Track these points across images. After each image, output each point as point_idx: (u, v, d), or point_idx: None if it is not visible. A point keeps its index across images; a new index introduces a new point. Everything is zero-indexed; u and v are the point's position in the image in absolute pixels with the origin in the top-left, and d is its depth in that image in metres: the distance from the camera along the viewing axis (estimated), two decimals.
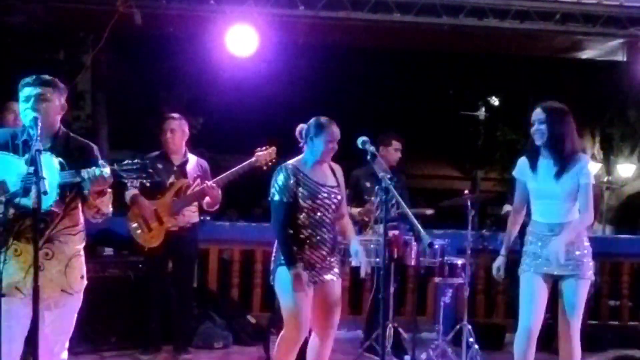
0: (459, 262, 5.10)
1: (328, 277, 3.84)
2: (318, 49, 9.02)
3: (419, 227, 3.21)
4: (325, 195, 3.78)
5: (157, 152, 5.16)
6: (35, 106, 3.05)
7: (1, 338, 2.91)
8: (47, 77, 3.15)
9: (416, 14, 5.99)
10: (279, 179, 3.74)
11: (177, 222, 4.98)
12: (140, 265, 5.44)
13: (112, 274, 5.30)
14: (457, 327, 5.11)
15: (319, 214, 3.75)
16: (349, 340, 5.97)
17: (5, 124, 4.66)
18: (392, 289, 5.10)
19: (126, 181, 3.07)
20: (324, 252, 3.80)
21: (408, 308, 6.25)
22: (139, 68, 9.26)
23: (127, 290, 5.34)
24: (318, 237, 3.76)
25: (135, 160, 3.03)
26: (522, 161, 3.97)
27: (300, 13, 5.93)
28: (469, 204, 4.94)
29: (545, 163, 3.85)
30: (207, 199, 4.93)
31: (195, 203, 5.06)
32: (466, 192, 5.36)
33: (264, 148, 4.85)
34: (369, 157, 3.38)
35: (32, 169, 2.82)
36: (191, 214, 5.09)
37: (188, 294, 5.27)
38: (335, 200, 3.78)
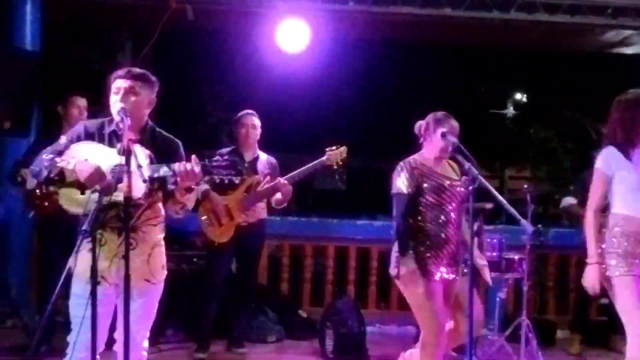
0: (516, 257, 5.07)
1: (452, 275, 3.80)
2: (367, 45, 9.01)
3: (518, 215, 3.19)
4: (450, 188, 3.75)
5: (228, 148, 5.17)
6: (123, 99, 3.07)
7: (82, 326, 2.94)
8: (138, 70, 3.17)
9: (467, 8, 5.98)
10: (402, 173, 3.74)
11: (247, 218, 5.00)
12: (195, 260, 5.49)
13: (168, 267, 5.31)
14: (515, 323, 5.06)
15: (444, 207, 3.73)
16: (400, 336, 5.97)
17: (70, 118, 4.70)
18: None
19: (215, 177, 3.08)
20: (451, 248, 3.77)
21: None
22: (183, 65, 9.30)
23: (183, 284, 5.37)
24: (443, 235, 3.74)
25: (226, 157, 3.04)
26: (612, 152, 3.57)
27: (351, 8, 5.94)
28: (528, 197, 4.90)
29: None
30: (277, 195, 4.93)
31: (265, 199, 5.08)
32: (525, 185, 5.32)
33: (334, 147, 4.84)
34: (450, 149, 3.36)
35: (123, 159, 2.83)
36: (261, 210, 5.11)
37: (250, 290, 5.29)
38: (460, 193, 3.75)
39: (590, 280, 3.53)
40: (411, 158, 3.82)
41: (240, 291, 5.26)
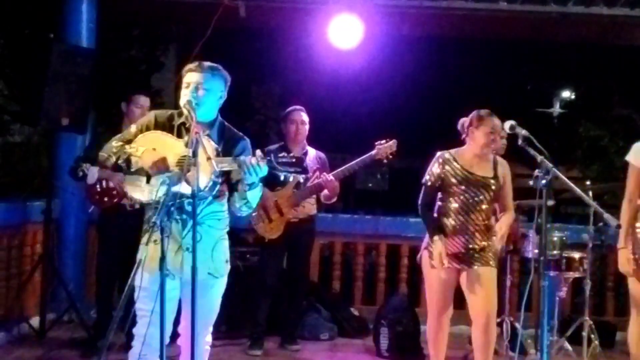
0: (577, 255, 4.94)
1: (476, 266, 3.95)
2: (417, 41, 8.91)
3: (600, 208, 3.10)
4: (475, 183, 3.95)
5: (277, 145, 5.16)
6: (194, 93, 3.07)
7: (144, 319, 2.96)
8: (210, 64, 3.16)
9: (523, 2, 5.85)
10: (434, 164, 4.03)
11: (297, 213, 4.98)
12: (248, 256, 5.48)
13: None
14: (577, 323, 4.93)
15: (466, 201, 3.94)
16: (455, 335, 5.84)
17: (132, 115, 4.73)
18: (508, 283, 5.00)
19: (280, 174, 3.07)
20: (470, 240, 3.95)
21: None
22: (231, 63, 9.30)
23: (236, 281, 5.35)
24: (465, 225, 3.95)
25: (291, 154, 3.02)
26: None
27: (404, 3, 5.87)
28: (590, 195, 4.76)
29: None
30: (326, 191, 4.92)
31: (314, 195, 5.06)
32: (588, 182, 5.18)
33: (384, 141, 4.81)
34: (520, 142, 3.28)
35: (191, 151, 2.83)
36: (310, 206, 5.09)
37: (301, 286, 5.26)
38: (487, 190, 3.97)
39: (621, 264, 3.99)
40: (448, 151, 4.05)
41: (291, 288, 5.24)
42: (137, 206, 4.53)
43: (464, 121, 4.10)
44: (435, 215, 4.03)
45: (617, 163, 12.66)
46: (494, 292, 4.02)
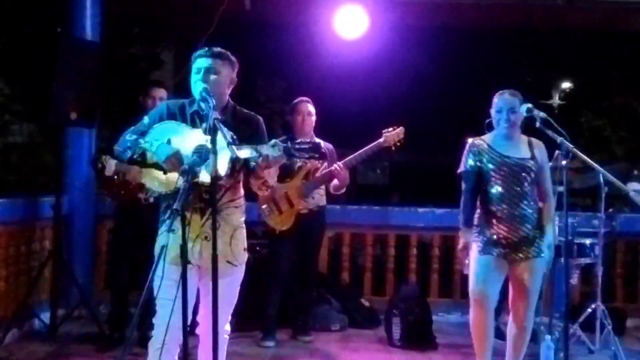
0: (588, 242, 4.94)
1: (522, 255, 3.80)
2: (424, 31, 8.87)
3: (624, 187, 3.10)
4: (513, 166, 3.78)
5: (284, 137, 5.15)
6: (205, 78, 3.06)
7: (173, 307, 2.93)
8: (219, 49, 3.16)
9: None
10: (468, 151, 3.89)
11: (307, 204, 4.98)
12: (258, 248, 5.47)
13: None
14: (590, 309, 4.92)
15: (508, 186, 3.77)
16: (465, 325, 5.80)
17: (150, 108, 4.73)
18: None
19: (298, 160, 3.04)
20: (518, 227, 3.78)
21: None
22: (236, 57, 9.28)
23: (247, 273, 5.33)
24: (508, 211, 3.77)
25: (308, 140, 2.99)
26: None
27: None
28: (602, 180, 4.76)
29: None
30: (335, 181, 4.91)
31: (323, 186, 5.05)
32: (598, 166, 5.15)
33: (391, 128, 4.80)
34: (538, 124, 3.26)
35: (209, 138, 2.81)
36: (320, 197, 5.09)
37: (312, 277, 5.26)
38: (528, 172, 3.77)
39: None
40: (479, 137, 3.91)
41: (302, 279, 5.24)
42: (152, 200, 4.54)
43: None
44: (479, 204, 3.87)
45: (618, 152, 12.68)
46: (539, 285, 3.92)
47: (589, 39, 11.48)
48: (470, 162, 3.86)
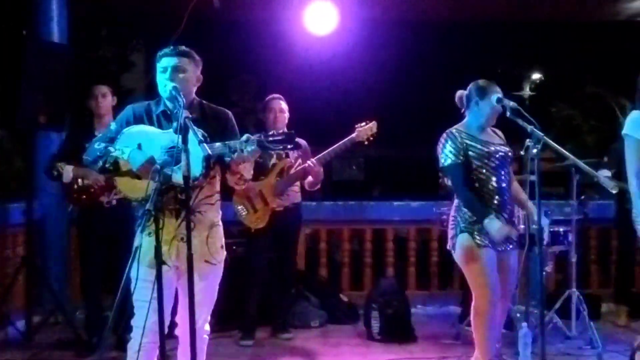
0: (561, 229, 5.00)
1: (507, 245, 3.79)
2: (394, 25, 8.86)
3: (595, 173, 3.13)
4: (496, 152, 3.73)
5: (258, 134, 5.13)
6: (172, 77, 3.03)
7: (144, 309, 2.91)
8: (184, 48, 3.13)
9: None
10: (447, 143, 3.73)
11: (281, 202, 4.97)
12: (234, 247, 5.44)
13: None
14: (565, 295, 4.99)
15: (492, 174, 3.71)
16: (443, 316, 5.92)
17: (98, 108, 4.72)
18: None
19: (272, 152, 3.03)
20: (503, 216, 3.73)
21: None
22: (207, 56, 9.22)
23: (224, 273, 5.32)
24: (495, 201, 3.72)
25: (281, 131, 2.97)
26: (638, 116, 3.70)
27: None
28: (573, 169, 4.83)
29: None
30: (309, 178, 4.91)
31: (298, 183, 5.05)
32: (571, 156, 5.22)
33: (364, 123, 4.81)
34: (509, 114, 3.29)
35: (180, 138, 2.78)
36: (295, 194, 5.08)
37: (290, 275, 5.26)
38: (508, 158, 3.74)
39: None
40: (453, 128, 3.81)
41: (280, 277, 5.23)
42: (114, 202, 4.52)
43: (461, 94, 3.86)
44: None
45: (589, 142, 12.88)
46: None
47: (558, 30, 11.60)
48: (457, 152, 3.70)
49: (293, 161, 5.03)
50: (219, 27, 8.09)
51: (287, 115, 5.16)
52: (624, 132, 3.72)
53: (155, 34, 7.07)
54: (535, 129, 3.07)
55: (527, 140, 3.14)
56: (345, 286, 6.20)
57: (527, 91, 18.36)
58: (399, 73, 13.16)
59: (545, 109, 13.99)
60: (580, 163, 3.20)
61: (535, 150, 3.00)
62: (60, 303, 5.09)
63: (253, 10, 5.95)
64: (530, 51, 14.24)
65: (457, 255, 3.79)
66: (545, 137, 3.03)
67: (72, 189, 4.64)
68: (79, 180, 4.60)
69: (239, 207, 5.01)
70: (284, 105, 5.15)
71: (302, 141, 5.22)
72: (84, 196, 4.62)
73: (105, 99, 4.75)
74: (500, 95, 3.51)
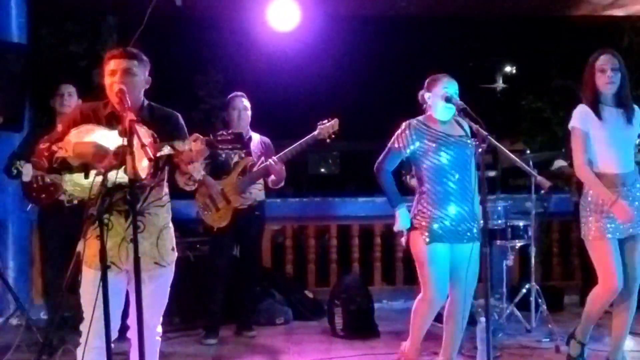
0: (521, 223, 5.06)
1: (469, 241, 3.79)
2: (360, 20, 8.86)
3: (532, 172, 3.17)
4: (457, 145, 3.73)
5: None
6: (121, 79, 3.01)
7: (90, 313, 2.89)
8: (133, 50, 3.11)
9: None
10: (403, 130, 3.78)
11: (244, 200, 4.96)
12: (198, 246, 5.44)
13: None
14: (524, 289, 5.05)
15: (451, 167, 3.71)
16: (408, 311, 5.87)
17: (61, 107, 4.67)
18: None
19: (221, 152, 3.02)
20: (463, 209, 3.76)
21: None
22: (172, 53, 9.18)
23: (188, 271, 5.32)
24: (461, 193, 3.73)
25: (230, 131, 2.96)
26: (584, 110, 3.76)
27: None
28: (531, 164, 4.87)
29: (609, 111, 3.75)
30: (273, 176, 4.91)
31: (261, 181, 5.05)
32: (528, 151, 5.30)
33: (326, 120, 4.81)
34: (456, 113, 3.31)
35: (125, 140, 2.76)
36: (258, 192, 5.07)
37: (254, 272, 5.25)
38: (470, 151, 3.72)
39: (624, 212, 3.63)
40: (415, 118, 3.84)
41: (244, 275, 5.22)
42: (75, 202, 4.46)
43: (422, 92, 3.88)
44: (426, 183, 3.77)
45: (559, 133, 12.98)
46: None
47: (528, 23, 11.66)
48: (403, 141, 3.76)
49: (256, 159, 5.03)
50: (184, 23, 8.04)
51: (249, 112, 5.16)
52: (570, 125, 3.79)
53: (123, 29, 7.03)
54: (480, 128, 3.10)
55: (473, 139, 3.17)
56: (311, 282, 6.22)
57: (500, 84, 18.50)
58: (371, 68, 13.16)
59: (516, 102, 14.05)
60: (518, 161, 3.25)
61: (480, 150, 3.02)
62: (21, 305, 5.03)
63: (214, 7, 5.92)
64: (500, 45, 14.31)
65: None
66: (489, 137, 3.06)
67: (31, 188, 4.59)
68: (39, 178, 4.55)
69: (201, 206, 5.00)
70: (246, 102, 5.14)
71: (265, 139, 5.23)
72: (44, 195, 4.57)
73: (71, 97, 4.71)
74: (448, 91, 3.52)
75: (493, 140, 3.17)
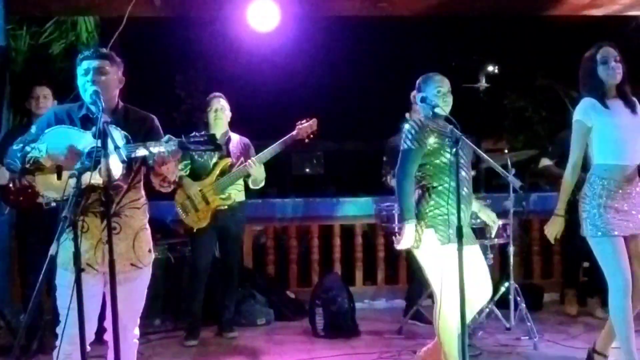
0: (500, 222, 5.07)
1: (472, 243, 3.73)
2: (342, 20, 8.85)
3: (504, 171, 3.19)
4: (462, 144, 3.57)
5: (203, 132, 5.10)
6: (94, 79, 3.00)
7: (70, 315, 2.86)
8: (105, 50, 3.10)
9: None
10: (410, 130, 3.61)
11: (223, 201, 4.96)
12: (179, 247, 5.43)
13: None
14: (503, 287, 5.08)
15: (464, 165, 3.61)
16: (389, 310, 5.99)
17: (37, 109, 4.65)
18: None
19: (194, 153, 3.01)
20: (468, 208, 3.72)
21: None
22: (153, 54, 9.15)
23: (168, 273, 5.32)
24: (468, 194, 3.65)
25: (203, 132, 2.96)
26: (590, 102, 3.65)
27: None
28: (509, 163, 4.91)
29: (613, 101, 3.67)
30: (252, 176, 4.92)
31: (241, 181, 5.05)
32: (506, 150, 5.33)
33: (304, 121, 4.83)
34: (431, 113, 3.32)
35: (99, 142, 2.75)
36: (237, 192, 5.07)
37: (235, 273, 5.24)
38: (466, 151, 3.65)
39: (553, 230, 3.79)
40: (417, 118, 3.77)
41: (225, 276, 5.22)
42: (53, 204, 4.44)
43: (414, 93, 3.82)
44: (433, 185, 3.58)
45: (541, 132, 13.10)
46: None
47: (510, 23, 11.73)
48: (416, 139, 3.57)
49: (235, 160, 5.03)
50: (164, 24, 8.02)
51: (228, 113, 5.16)
52: (575, 118, 3.68)
53: (104, 30, 7.00)
54: (455, 129, 3.11)
55: (447, 139, 3.19)
56: (293, 283, 6.22)
57: (483, 83, 18.61)
58: (353, 69, 13.17)
59: (499, 101, 14.16)
60: (492, 162, 3.25)
61: (454, 150, 3.03)
62: (1, 308, 4.99)
63: (195, 8, 5.89)
64: (483, 45, 14.40)
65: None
66: (463, 137, 3.07)
67: (9, 191, 4.55)
68: (16, 181, 4.51)
69: (180, 207, 4.99)
70: (224, 103, 5.15)
71: (244, 139, 5.24)
72: (22, 198, 4.53)
73: (47, 100, 4.69)
74: (423, 95, 3.53)
75: (467, 141, 3.18)
